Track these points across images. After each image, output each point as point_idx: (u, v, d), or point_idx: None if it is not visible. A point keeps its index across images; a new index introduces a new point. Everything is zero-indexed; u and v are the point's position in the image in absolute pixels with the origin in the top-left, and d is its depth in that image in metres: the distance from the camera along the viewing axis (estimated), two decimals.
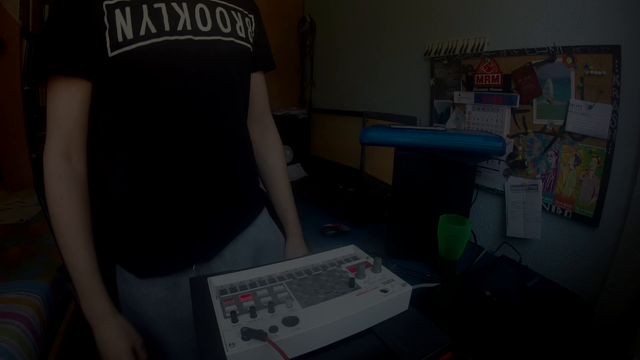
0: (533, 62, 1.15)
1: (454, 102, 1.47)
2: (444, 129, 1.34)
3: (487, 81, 1.32)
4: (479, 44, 1.32)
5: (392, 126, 1.15)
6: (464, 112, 1.42)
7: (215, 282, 0.59)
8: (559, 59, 1.08)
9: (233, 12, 0.79)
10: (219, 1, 0.76)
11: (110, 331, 0.70)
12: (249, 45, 0.84)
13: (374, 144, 1.11)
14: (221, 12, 0.76)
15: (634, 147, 0.95)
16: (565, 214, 1.11)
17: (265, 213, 1.00)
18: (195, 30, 0.70)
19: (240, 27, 0.80)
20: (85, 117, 0.69)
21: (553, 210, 1.15)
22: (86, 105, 0.68)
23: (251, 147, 0.93)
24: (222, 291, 0.57)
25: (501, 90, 1.27)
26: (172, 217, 0.75)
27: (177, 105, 0.70)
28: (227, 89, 0.78)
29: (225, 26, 0.75)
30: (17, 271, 1.65)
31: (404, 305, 0.59)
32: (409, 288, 0.58)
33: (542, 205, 1.17)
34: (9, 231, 2.09)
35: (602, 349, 0.74)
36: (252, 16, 0.86)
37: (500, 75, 1.27)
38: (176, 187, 0.74)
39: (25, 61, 2.90)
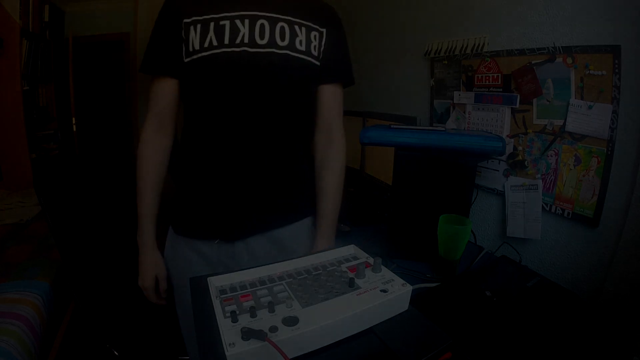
0: (533, 62, 1.15)
1: (454, 102, 1.47)
2: (444, 129, 1.34)
3: (487, 81, 1.32)
4: (479, 44, 1.32)
5: (392, 126, 1.15)
6: (464, 112, 1.42)
7: (215, 282, 0.59)
8: (559, 59, 1.08)
9: (297, 27, 0.85)
10: (283, 16, 0.83)
11: (146, 260, 0.94)
12: (308, 59, 0.87)
13: (374, 144, 1.11)
14: (282, 27, 0.83)
15: (634, 147, 0.95)
16: (565, 214, 1.11)
17: (307, 224, 1.00)
18: (252, 43, 0.80)
19: (300, 40, 0.85)
20: (175, 104, 0.90)
21: (553, 210, 1.15)
22: (174, 95, 0.89)
23: (305, 158, 0.97)
24: (222, 291, 0.56)
25: (501, 90, 1.27)
26: (211, 190, 0.88)
27: (230, 104, 0.83)
28: (277, 97, 0.85)
29: (283, 40, 0.83)
30: (17, 271, 1.65)
31: (404, 305, 0.59)
32: (409, 288, 0.58)
33: (542, 205, 1.17)
34: (9, 231, 2.09)
35: (602, 349, 0.75)
36: (323, 30, 0.90)
37: (500, 75, 1.27)
38: (228, 168, 0.86)
39: (25, 61, 2.90)
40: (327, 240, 0.98)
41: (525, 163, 1.22)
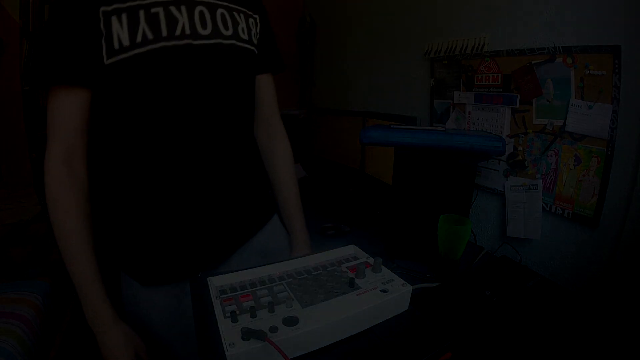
0: (533, 62, 1.15)
1: (454, 102, 1.47)
2: (444, 129, 1.34)
3: (487, 81, 1.32)
4: (479, 44, 1.32)
5: (392, 126, 1.15)
6: (464, 112, 1.42)
7: (215, 282, 0.59)
8: (559, 59, 1.08)
9: (235, 14, 0.76)
10: (221, 2, 0.73)
11: (114, 339, 0.70)
12: (252, 48, 0.81)
13: (374, 144, 1.10)
14: (222, 14, 0.73)
15: (634, 147, 0.95)
16: (565, 214, 1.11)
17: (275, 220, 0.98)
18: (195, 34, 0.68)
19: (242, 28, 0.77)
20: (85, 124, 0.69)
21: (553, 210, 1.15)
22: (86, 112, 0.68)
23: (258, 152, 0.92)
24: (222, 291, 0.56)
25: (501, 90, 1.27)
26: (175, 225, 0.74)
27: (176, 112, 0.69)
28: (229, 93, 0.76)
29: (227, 28, 0.73)
30: (17, 271, 1.65)
31: (404, 305, 0.59)
32: (409, 288, 0.58)
33: (542, 205, 1.17)
34: (9, 231, 2.09)
35: (601, 349, 0.75)
36: (257, 17, 0.83)
37: (500, 75, 1.27)
38: (179, 194, 0.72)
39: (25, 61, 2.90)
40: (305, 244, 0.96)
41: (525, 163, 1.22)
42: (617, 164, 0.98)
